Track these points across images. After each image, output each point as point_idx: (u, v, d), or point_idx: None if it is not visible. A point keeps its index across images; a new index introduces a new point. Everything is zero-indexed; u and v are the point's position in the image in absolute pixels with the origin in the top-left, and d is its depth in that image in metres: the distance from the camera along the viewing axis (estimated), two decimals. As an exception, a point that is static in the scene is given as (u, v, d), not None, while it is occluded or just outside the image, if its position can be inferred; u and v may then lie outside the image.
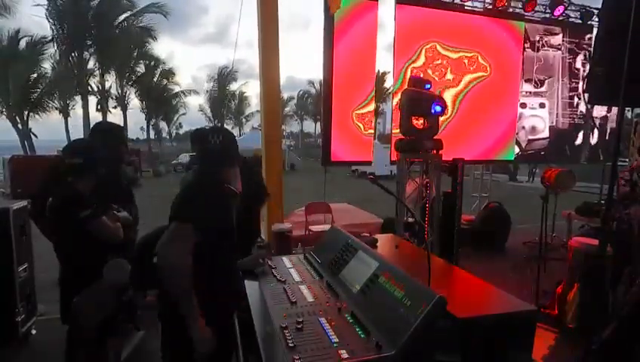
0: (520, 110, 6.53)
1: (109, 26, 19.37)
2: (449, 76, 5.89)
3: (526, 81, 6.55)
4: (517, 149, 6.66)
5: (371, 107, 5.51)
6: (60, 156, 2.27)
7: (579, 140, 7.15)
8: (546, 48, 6.60)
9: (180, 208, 1.49)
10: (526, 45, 6.42)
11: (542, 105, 6.75)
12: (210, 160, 1.62)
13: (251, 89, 55.81)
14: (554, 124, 6.86)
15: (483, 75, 6.09)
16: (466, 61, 5.95)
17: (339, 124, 5.29)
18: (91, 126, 2.71)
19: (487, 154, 6.39)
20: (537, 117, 6.75)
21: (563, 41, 6.69)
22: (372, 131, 5.62)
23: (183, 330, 1.41)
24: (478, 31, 5.98)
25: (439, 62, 5.79)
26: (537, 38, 6.52)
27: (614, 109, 6.69)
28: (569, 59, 6.79)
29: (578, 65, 6.86)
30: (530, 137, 6.75)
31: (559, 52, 6.71)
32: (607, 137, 7.17)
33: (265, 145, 5.22)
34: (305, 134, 57.20)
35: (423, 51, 5.67)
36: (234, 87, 36.17)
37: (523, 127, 6.64)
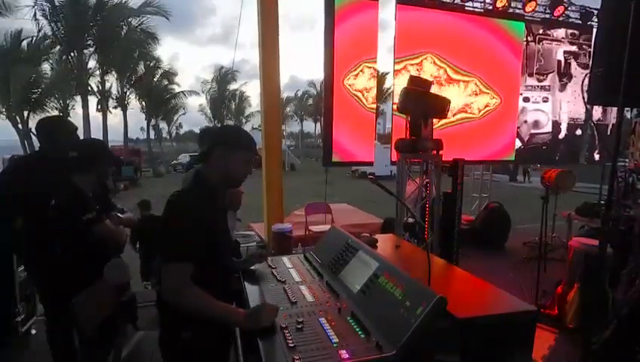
0: (523, 104, 6.50)
1: (110, 26, 19.34)
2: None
3: (529, 75, 6.53)
4: (519, 143, 6.62)
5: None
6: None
7: (578, 139, 7.16)
8: (548, 41, 6.57)
9: (172, 246, 1.36)
10: (529, 39, 6.40)
11: (545, 100, 6.72)
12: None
13: (252, 89, 55.92)
14: (557, 118, 6.85)
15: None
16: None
17: (340, 124, 5.29)
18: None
19: (487, 155, 6.39)
20: (540, 111, 6.72)
21: (564, 38, 6.69)
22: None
23: (181, 329, 1.40)
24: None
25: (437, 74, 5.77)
26: (541, 30, 6.50)
27: (611, 110, 6.71)
28: (569, 59, 6.79)
29: (577, 65, 6.86)
30: (533, 131, 6.71)
31: (562, 45, 6.69)
32: (606, 136, 7.17)
33: (265, 146, 5.23)
34: (305, 134, 57.22)
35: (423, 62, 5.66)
36: (234, 87, 36.27)
37: (525, 121, 6.60)
